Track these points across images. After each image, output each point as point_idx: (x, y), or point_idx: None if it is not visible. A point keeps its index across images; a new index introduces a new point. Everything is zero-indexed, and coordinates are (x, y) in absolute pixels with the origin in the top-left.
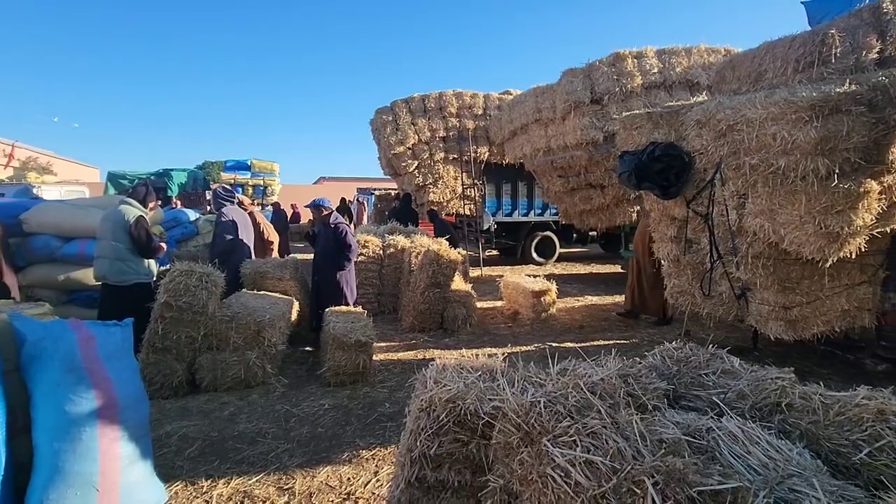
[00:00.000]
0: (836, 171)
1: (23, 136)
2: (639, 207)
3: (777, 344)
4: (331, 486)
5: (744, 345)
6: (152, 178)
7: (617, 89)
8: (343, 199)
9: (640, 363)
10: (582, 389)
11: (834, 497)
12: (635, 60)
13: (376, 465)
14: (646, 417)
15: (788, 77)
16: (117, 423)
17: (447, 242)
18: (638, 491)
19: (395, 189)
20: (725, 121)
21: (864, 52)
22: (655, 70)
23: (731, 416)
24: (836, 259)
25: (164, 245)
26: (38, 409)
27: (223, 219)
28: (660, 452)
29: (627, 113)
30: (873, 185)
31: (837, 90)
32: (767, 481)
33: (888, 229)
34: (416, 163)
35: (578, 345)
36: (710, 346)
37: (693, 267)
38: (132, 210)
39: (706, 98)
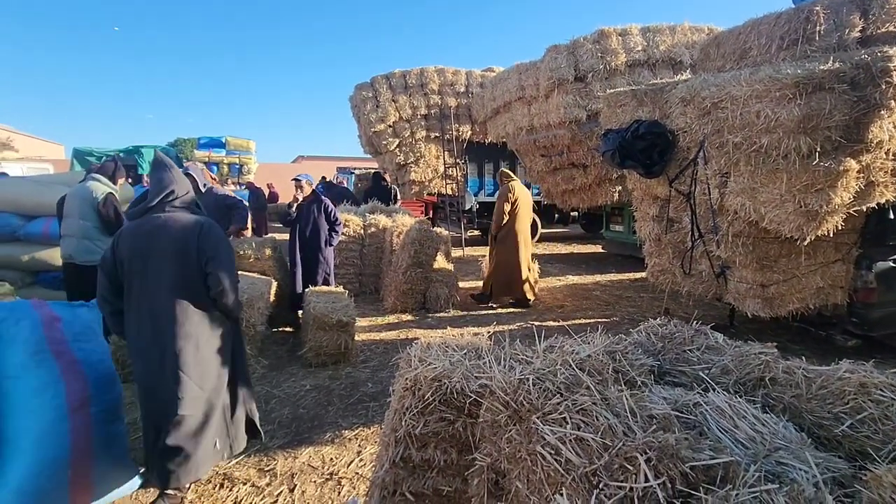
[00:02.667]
0: (818, 149)
1: None
2: (620, 187)
3: (753, 321)
4: (313, 467)
5: (721, 322)
6: (122, 155)
7: (601, 67)
8: (323, 178)
9: (626, 340)
10: (571, 366)
11: (820, 469)
12: (620, 38)
13: (359, 446)
14: (635, 393)
15: (773, 55)
16: (88, 406)
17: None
18: (630, 467)
19: (376, 168)
20: (710, 98)
21: (847, 31)
22: (640, 48)
23: (717, 391)
24: (813, 237)
25: None
26: (1, 393)
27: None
28: (651, 428)
29: (612, 90)
30: (852, 164)
31: (821, 68)
32: (756, 455)
33: (863, 208)
34: (397, 141)
35: (560, 323)
36: (694, 322)
37: (674, 246)
38: (101, 186)
39: (689, 76)
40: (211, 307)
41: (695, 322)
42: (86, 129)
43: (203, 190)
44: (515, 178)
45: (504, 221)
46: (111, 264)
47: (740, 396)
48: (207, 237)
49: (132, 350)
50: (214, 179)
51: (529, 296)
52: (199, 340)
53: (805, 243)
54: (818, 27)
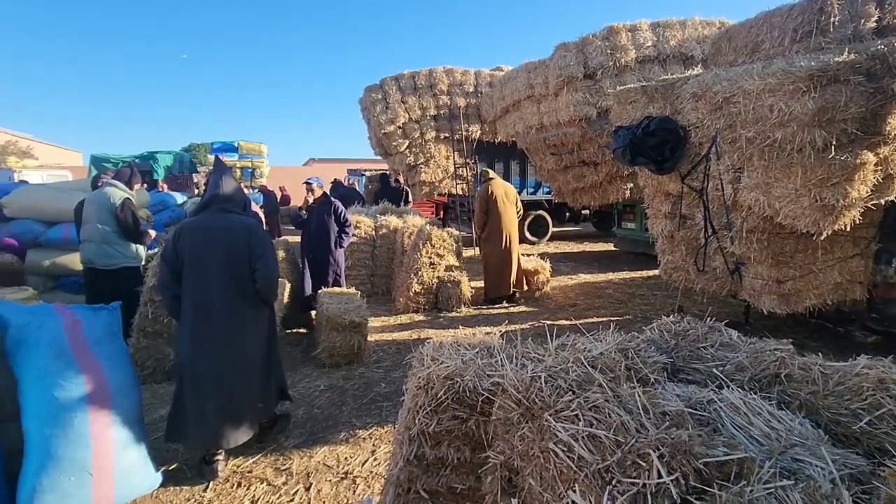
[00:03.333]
0: (833, 142)
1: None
2: (632, 184)
3: (768, 318)
4: (328, 466)
5: (736, 319)
6: (137, 161)
7: (611, 63)
8: (335, 180)
9: (639, 337)
10: (583, 364)
11: (837, 465)
12: (629, 34)
13: (373, 445)
14: (647, 390)
15: (786, 47)
16: (109, 408)
17: (438, 222)
18: (643, 464)
19: (385, 170)
20: (722, 93)
21: (862, 21)
22: (649, 43)
23: (731, 388)
24: (830, 232)
25: (151, 232)
26: (26, 395)
27: None
28: (664, 425)
29: (622, 87)
30: (870, 157)
31: (836, 59)
32: (771, 451)
33: (882, 202)
34: (407, 142)
35: (573, 322)
36: (708, 319)
37: (687, 243)
38: (118, 192)
39: (701, 71)
40: (253, 295)
41: (709, 319)
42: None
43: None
44: (495, 176)
45: (485, 221)
46: (172, 255)
47: (755, 393)
48: (256, 237)
49: (185, 330)
50: (249, 188)
51: (520, 287)
52: (244, 323)
53: (822, 238)
54: (832, 18)
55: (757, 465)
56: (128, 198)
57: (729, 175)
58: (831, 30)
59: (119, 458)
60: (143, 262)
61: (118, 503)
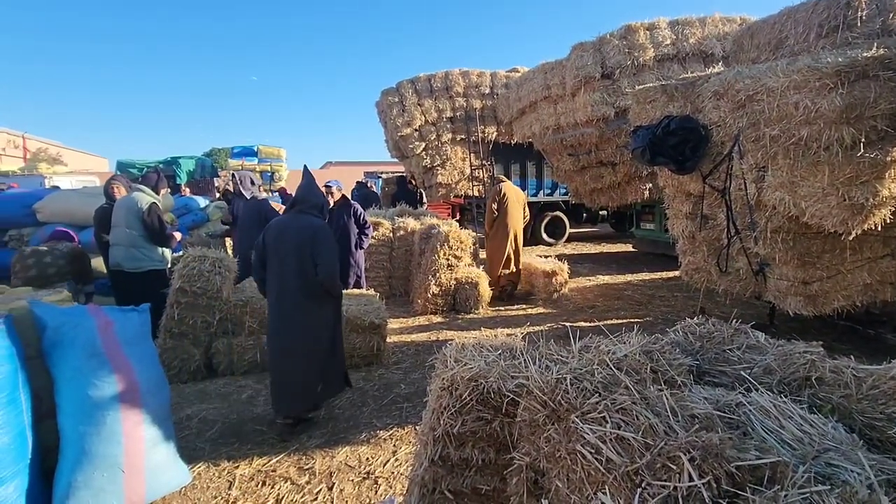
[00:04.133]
0: (862, 139)
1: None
2: (651, 185)
3: (795, 320)
4: (350, 466)
5: (760, 321)
6: (161, 166)
7: (628, 63)
8: (358, 182)
9: (663, 339)
10: (608, 365)
11: (874, 470)
12: (647, 32)
13: (394, 445)
14: (675, 393)
15: (811, 43)
16: (139, 407)
17: (456, 224)
18: (674, 467)
19: (401, 172)
20: (745, 91)
21: (891, 15)
22: (668, 42)
23: (760, 391)
24: (859, 232)
25: (177, 235)
26: (61, 394)
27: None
28: (693, 428)
29: (641, 86)
30: None
31: (864, 55)
32: (804, 456)
33: None
34: (423, 144)
35: (593, 324)
36: (734, 321)
37: (709, 243)
38: (145, 197)
39: (722, 69)
40: (318, 286)
41: (734, 321)
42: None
43: (248, 197)
44: (506, 179)
45: (494, 218)
46: (261, 247)
47: (785, 397)
48: (319, 237)
49: (269, 309)
50: (268, 191)
51: (516, 282)
52: (309, 308)
53: (850, 238)
54: (860, 13)
55: (791, 470)
56: (154, 202)
57: (752, 174)
58: (858, 24)
59: (149, 456)
60: (168, 265)
61: (148, 500)
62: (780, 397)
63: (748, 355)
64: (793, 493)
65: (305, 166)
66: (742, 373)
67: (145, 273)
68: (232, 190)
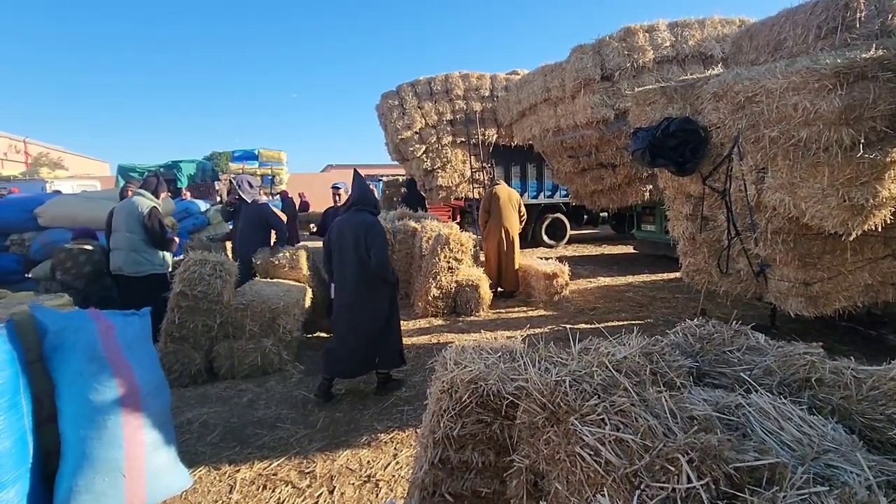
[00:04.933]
0: (862, 140)
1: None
2: (651, 186)
3: (796, 321)
4: (351, 469)
5: (761, 322)
6: (162, 170)
7: (628, 65)
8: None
9: (663, 341)
10: (607, 368)
11: (873, 471)
12: (646, 34)
13: (395, 449)
14: (674, 394)
15: (810, 45)
16: (140, 410)
17: (456, 227)
18: (672, 468)
19: (401, 175)
20: (744, 92)
21: (890, 16)
22: (668, 44)
23: (760, 393)
24: (859, 232)
25: (177, 238)
26: (62, 398)
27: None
28: (692, 429)
29: (640, 88)
30: None
31: (863, 56)
32: (804, 457)
33: None
34: (424, 147)
35: (593, 326)
36: (734, 322)
37: (709, 244)
38: (145, 201)
39: (721, 71)
40: (373, 274)
41: (734, 322)
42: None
43: (249, 200)
44: (501, 182)
45: (486, 220)
46: (327, 242)
47: (785, 398)
48: (372, 232)
49: (335, 294)
50: (269, 194)
51: (514, 287)
52: (367, 293)
53: (850, 239)
54: (858, 14)
55: (789, 471)
56: (154, 206)
57: (752, 175)
58: (857, 26)
59: (150, 460)
60: (169, 269)
61: (149, 503)
62: (780, 399)
63: (748, 357)
64: (791, 494)
65: (356, 170)
66: (742, 374)
67: (146, 277)
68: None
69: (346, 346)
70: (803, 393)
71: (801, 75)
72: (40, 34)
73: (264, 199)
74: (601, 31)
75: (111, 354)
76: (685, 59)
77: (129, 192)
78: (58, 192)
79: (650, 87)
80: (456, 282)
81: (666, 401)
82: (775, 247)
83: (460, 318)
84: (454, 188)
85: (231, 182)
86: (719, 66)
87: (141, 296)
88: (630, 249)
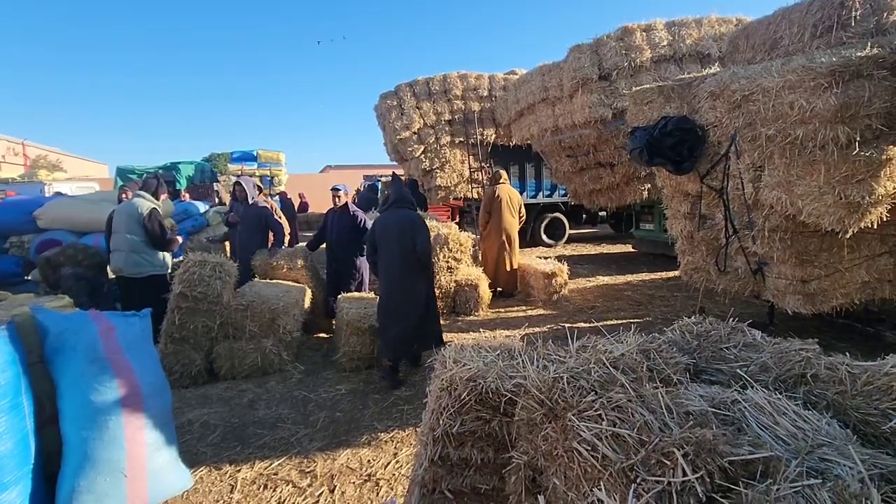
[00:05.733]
0: (857, 138)
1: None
2: (650, 185)
3: (794, 318)
4: (351, 469)
5: (760, 320)
6: (160, 171)
7: (626, 64)
8: (366, 184)
9: (660, 338)
10: (605, 364)
11: (866, 465)
12: (644, 34)
13: (395, 448)
14: (670, 391)
15: (806, 43)
16: (141, 411)
17: (455, 227)
18: (668, 462)
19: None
20: (740, 91)
21: (885, 14)
22: (665, 43)
23: (755, 388)
24: (856, 230)
25: (178, 238)
26: (64, 399)
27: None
28: (687, 424)
29: (638, 88)
30: (895, 152)
31: (858, 54)
32: (798, 451)
33: None
34: (422, 147)
35: (592, 324)
36: (731, 319)
37: (707, 243)
38: (145, 203)
39: (718, 70)
40: (416, 262)
41: (731, 320)
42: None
43: (250, 202)
44: (505, 181)
45: (487, 220)
46: (372, 236)
47: (780, 393)
48: (416, 225)
49: (381, 284)
50: (266, 193)
51: (513, 288)
52: (411, 280)
53: (847, 236)
54: (854, 12)
55: (783, 465)
56: (154, 208)
57: (749, 174)
58: (853, 24)
59: (151, 460)
60: (169, 270)
61: (151, 503)
62: (776, 394)
63: (745, 353)
64: (785, 486)
65: (394, 173)
66: (738, 370)
67: (146, 278)
68: (234, 196)
69: (391, 330)
70: (798, 388)
71: (797, 74)
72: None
73: (263, 202)
74: (599, 31)
75: (112, 355)
76: (682, 59)
77: (127, 194)
78: (59, 195)
79: (648, 86)
80: (455, 281)
81: (662, 396)
82: (773, 244)
83: (459, 318)
84: (453, 188)
85: (238, 183)
86: (716, 64)
87: (141, 297)
88: (629, 248)
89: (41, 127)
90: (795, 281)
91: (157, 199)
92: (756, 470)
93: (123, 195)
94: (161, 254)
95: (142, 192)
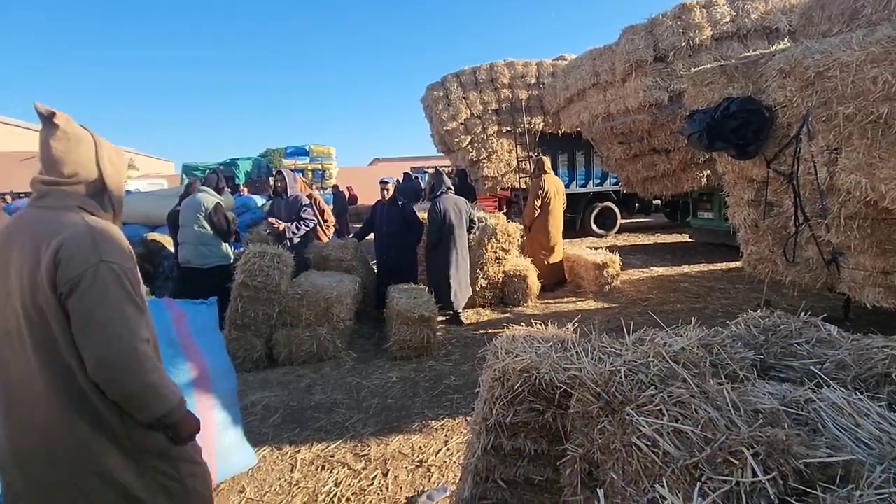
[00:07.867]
0: None
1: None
2: (709, 171)
3: (872, 313)
4: (403, 454)
5: (834, 315)
6: (221, 167)
7: (683, 44)
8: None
9: (723, 332)
10: (664, 358)
11: None
12: (704, 10)
13: (445, 435)
14: (737, 387)
15: (892, 11)
16: (210, 393)
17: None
18: (736, 462)
19: (447, 166)
20: (814, 67)
21: None
22: (727, 19)
23: (832, 387)
24: None
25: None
26: None
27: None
28: (756, 423)
29: (697, 68)
30: None
31: None
32: (883, 456)
33: None
34: (469, 137)
35: (647, 317)
36: (803, 313)
37: (774, 232)
38: (210, 198)
39: (788, 45)
40: (466, 237)
41: (802, 313)
42: (189, 146)
43: (289, 192)
44: (549, 170)
45: (536, 215)
46: (442, 217)
47: (861, 394)
48: (468, 206)
49: (443, 251)
50: (310, 186)
51: (562, 281)
52: (462, 255)
53: None
54: None
55: (867, 470)
56: (218, 202)
57: (823, 157)
58: None
59: (220, 439)
60: (231, 261)
61: (219, 479)
62: (856, 394)
63: (818, 350)
64: (869, 493)
65: (437, 167)
66: (812, 368)
67: (212, 268)
68: (275, 190)
69: (451, 284)
70: (882, 389)
71: (881, 45)
72: (104, 39)
73: (300, 191)
74: (653, 10)
75: (184, 340)
76: (747, 35)
77: (194, 188)
78: (128, 192)
79: (708, 66)
80: (503, 272)
81: (728, 393)
82: (850, 233)
83: (508, 309)
84: (500, 178)
85: (280, 172)
86: (786, 40)
87: (206, 286)
88: (685, 238)
89: (118, 127)
90: (876, 272)
91: (220, 193)
92: (835, 474)
93: (193, 189)
94: (225, 245)
95: (205, 188)
